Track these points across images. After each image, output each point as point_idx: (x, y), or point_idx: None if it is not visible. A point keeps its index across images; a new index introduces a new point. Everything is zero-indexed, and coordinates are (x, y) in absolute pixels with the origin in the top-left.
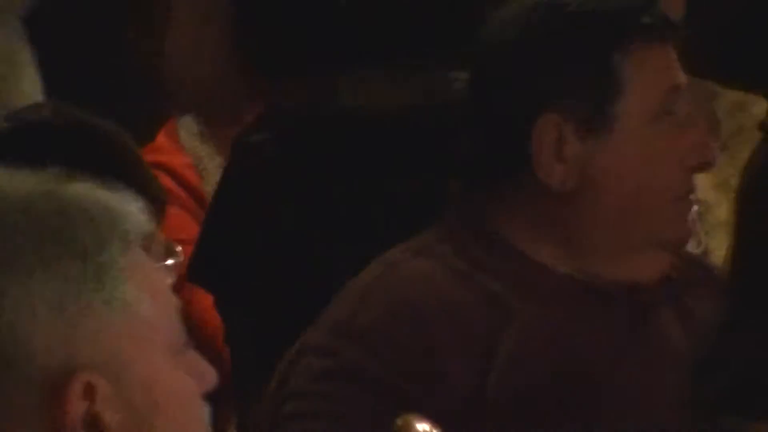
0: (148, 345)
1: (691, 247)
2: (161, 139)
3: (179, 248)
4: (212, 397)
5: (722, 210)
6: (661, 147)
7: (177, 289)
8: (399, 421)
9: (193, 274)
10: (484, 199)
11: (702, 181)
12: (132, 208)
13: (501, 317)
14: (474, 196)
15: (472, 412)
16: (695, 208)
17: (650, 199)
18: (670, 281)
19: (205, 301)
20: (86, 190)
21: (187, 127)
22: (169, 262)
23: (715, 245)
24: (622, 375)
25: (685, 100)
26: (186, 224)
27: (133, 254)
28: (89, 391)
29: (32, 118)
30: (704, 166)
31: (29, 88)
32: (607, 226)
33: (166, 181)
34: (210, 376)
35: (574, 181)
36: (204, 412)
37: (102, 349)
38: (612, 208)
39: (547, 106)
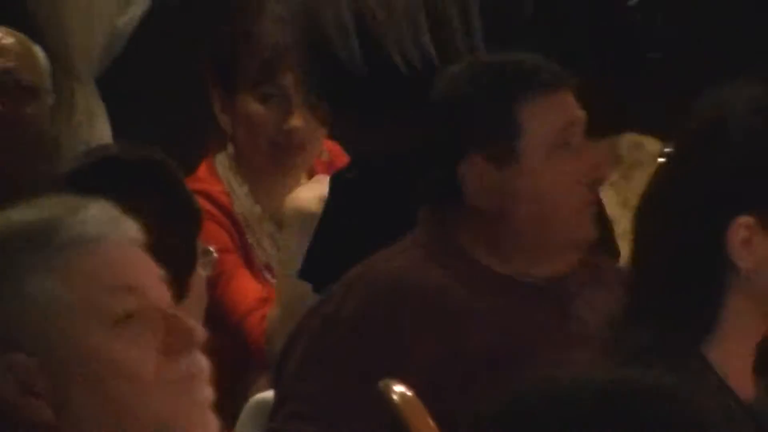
0: (64, 324)
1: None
2: (202, 171)
3: (213, 252)
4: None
5: (624, 223)
6: (561, 170)
7: (213, 282)
8: (381, 384)
9: (303, 274)
10: (444, 217)
11: (609, 201)
12: (75, 224)
13: (457, 309)
14: (436, 215)
15: (430, 384)
16: None
17: (557, 210)
18: (581, 276)
19: (235, 294)
20: (31, 215)
21: (222, 163)
22: (206, 258)
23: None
24: (548, 347)
25: (582, 129)
26: (219, 235)
27: (53, 256)
28: (12, 368)
29: (103, 154)
30: (598, 182)
31: (101, 132)
32: (526, 234)
33: (204, 203)
34: (195, 334)
35: (497, 202)
36: (158, 372)
37: (26, 333)
38: (528, 220)
39: (471, 148)
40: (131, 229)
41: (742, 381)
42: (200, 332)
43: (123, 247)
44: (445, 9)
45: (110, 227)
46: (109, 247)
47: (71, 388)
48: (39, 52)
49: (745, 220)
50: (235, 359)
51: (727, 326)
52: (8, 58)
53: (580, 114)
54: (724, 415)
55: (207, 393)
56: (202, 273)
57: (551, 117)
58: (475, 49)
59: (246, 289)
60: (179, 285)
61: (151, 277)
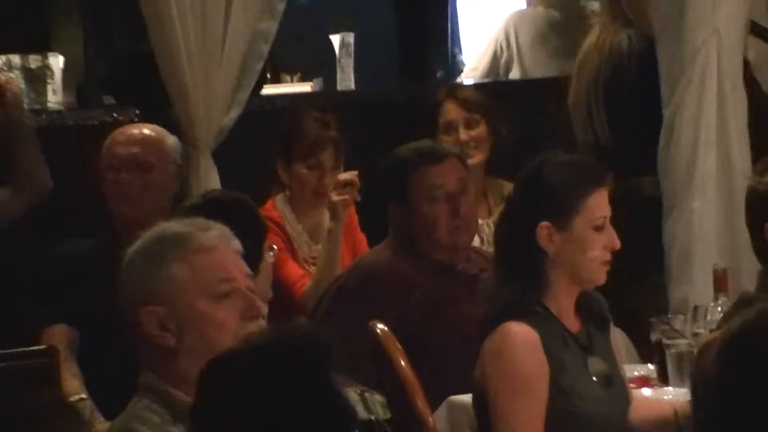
0: (183, 290)
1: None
2: (269, 205)
3: (275, 247)
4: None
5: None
6: (432, 210)
7: (275, 268)
8: (370, 324)
9: None
10: (402, 230)
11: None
12: (198, 235)
13: (409, 284)
14: (397, 228)
15: (396, 326)
16: (487, 230)
17: (435, 230)
18: (478, 261)
19: (287, 273)
20: (178, 228)
21: (280, 201)
22: (268, 252)
23: None
24: (461, 304)
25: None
26: (277, 242)
27: (188, 253)
28: (155, 313)
29: (210, 195)
30: (459, 215)
31: (213, 183)
32: (422, 243)
33: (269, 223)
34: (255, 312)
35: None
36: (238, 329)
37: (159, 292)
38: (421, 236)
39: (390, 199)
40: (234, 243)
41: (569, 319)
42: (264, 308)
43: (228, 254)
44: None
45: (222, 241)
46: (220, 252)
47: (186, 330)
48: (168, 140)
49: (545, 223)
50: (286, 308)
51: (553, 288)
52: (135, 146)
53: (449, 178)
54: (556, 337)
55: None
56: (269, 260)
57: (432, 180)
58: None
59: (293, 271)
60: (255, 266)
61: (241, 272)
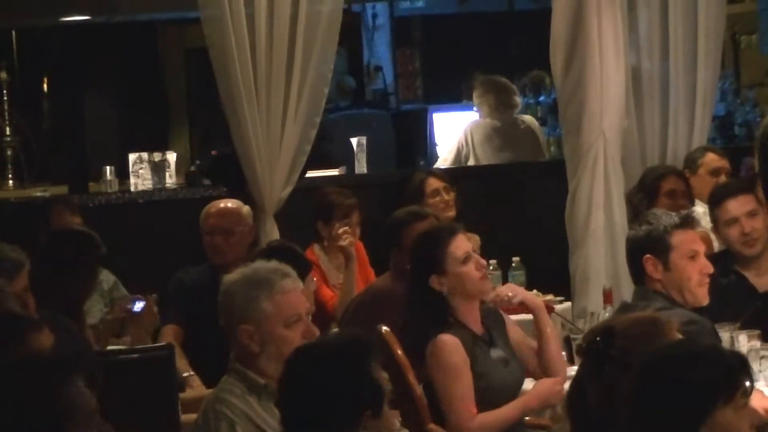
0: (269, 320)
1: None
2: (309, 250)
3: (314, 279)
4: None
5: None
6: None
7: (316, 292)
8: (378, 327)
9: None
10: (396, 263)
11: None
12: (280, 281)
13: (402, 301)
14: (394, 262)
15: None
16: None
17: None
18: None
19: (322, 295)
20: (266, 273)
21: (317, 247)
22: (310, 282)
23: None
24: None
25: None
26: (314, 273)
27: (273, 294)
28: (245, 329)
29: (273, 244)
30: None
31: (275, 234)
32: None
33: (310, 262)
34: (312, 333)
35: (404, 264)
36: (299, 343)
37: (252, 318)
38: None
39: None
40: (299, 284)
41: (476, 325)
42: (316, 331)
43: (297, 294)
44: None
45: (294, 286)
46: (292, 294)
47: (266, 343)
48: (243, 210)
49: (435, 277)
50: (323, 320)
51: (456, 308)
52: (221, 217)
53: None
54: (469, 340)
55: None
56: (311, 287)
57: (414, 232)
58: None
59: (326, 293)
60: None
61: (304, 305)
